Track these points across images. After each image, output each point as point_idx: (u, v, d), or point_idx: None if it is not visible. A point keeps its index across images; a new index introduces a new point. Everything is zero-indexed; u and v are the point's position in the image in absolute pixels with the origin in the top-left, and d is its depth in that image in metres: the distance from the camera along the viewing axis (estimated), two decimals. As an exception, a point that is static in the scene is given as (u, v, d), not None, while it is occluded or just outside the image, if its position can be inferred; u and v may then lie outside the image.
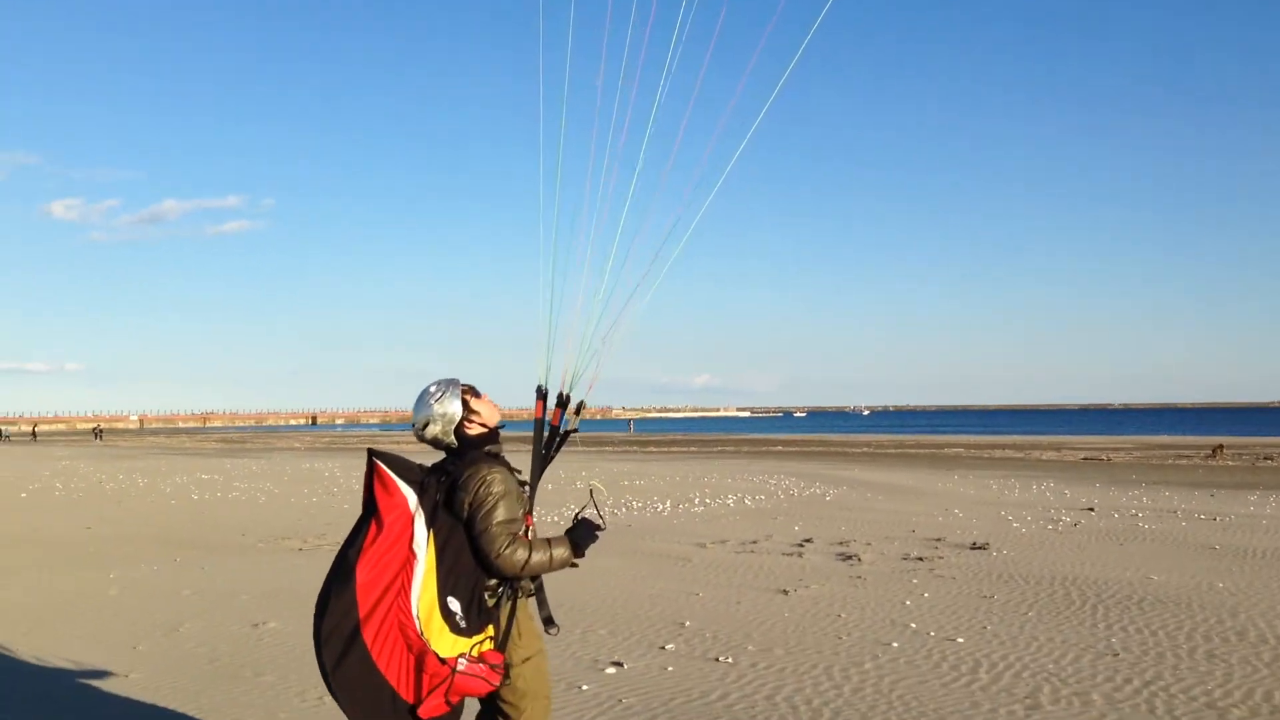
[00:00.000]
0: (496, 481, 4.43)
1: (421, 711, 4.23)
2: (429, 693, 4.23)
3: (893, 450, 50.96)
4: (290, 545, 15.47)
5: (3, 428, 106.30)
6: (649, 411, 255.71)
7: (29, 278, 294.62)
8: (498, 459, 4.61)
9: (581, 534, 4.66)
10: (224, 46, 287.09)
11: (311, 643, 4.29)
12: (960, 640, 8.88)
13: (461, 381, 4.70)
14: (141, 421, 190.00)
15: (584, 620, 9.84)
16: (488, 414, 4.68)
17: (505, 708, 4.53)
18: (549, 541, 4.52)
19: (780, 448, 56.24)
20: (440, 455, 4.68)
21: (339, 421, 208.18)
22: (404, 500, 4.35)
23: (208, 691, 7.35)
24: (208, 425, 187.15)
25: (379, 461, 4.40)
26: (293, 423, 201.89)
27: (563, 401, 4.88)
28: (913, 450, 50.58)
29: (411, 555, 4.29)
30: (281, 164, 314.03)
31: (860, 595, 11.02)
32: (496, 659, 4.38)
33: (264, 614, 10.10)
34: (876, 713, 6.87)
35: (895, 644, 8.75)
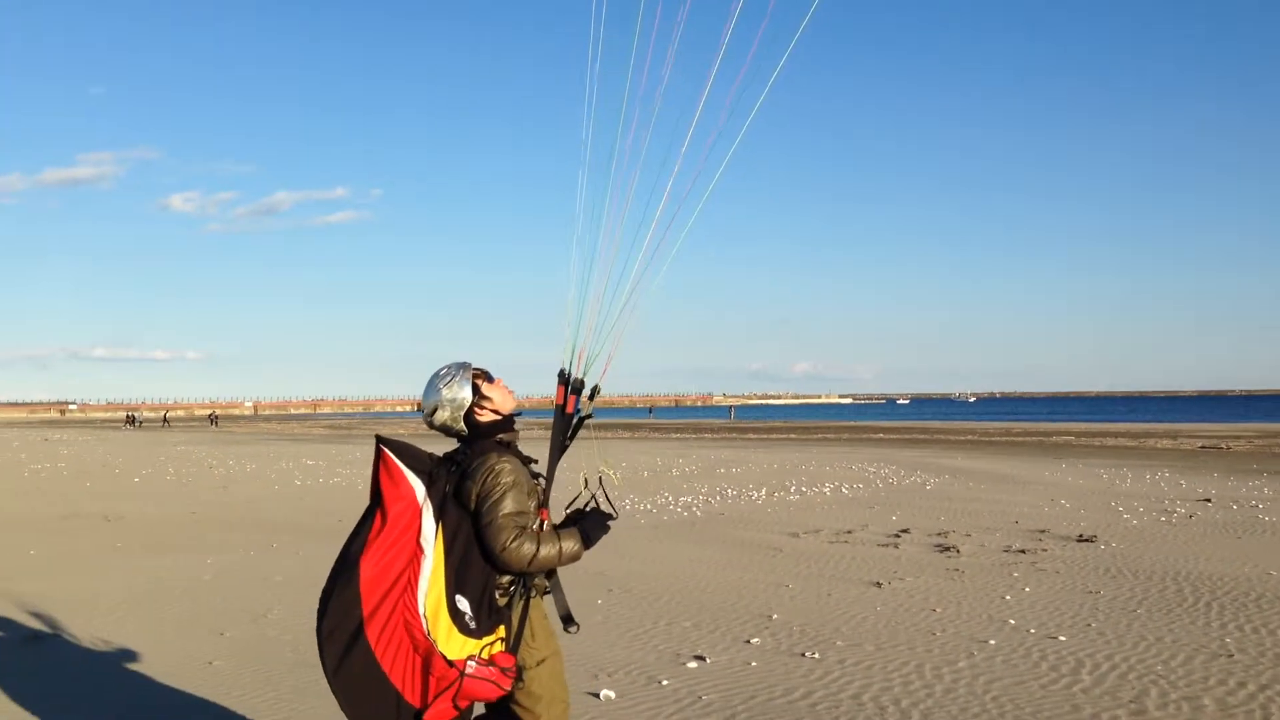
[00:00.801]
0: (505, 471, 4.19)
1: (428, 716, 4.03)
2: (436, 697, 4.01)
3: (999, 438, 49.71)
4: (384, 531, 15.58)
5: (135, 414, 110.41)
6: (750, 398, 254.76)
7: (151, 269, 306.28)
8: (509, 448, 4.37)
9: (592, 525, 4.37)
10: (332, 41, 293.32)
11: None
12: (1062, 638, 8.46)
13: (475, 365, 4.46)
14: (256, 408, 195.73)
15: (669, 611, 9.65)
16: (500, 400, 4.42)
17: (521, 712, 4.29)
18: (558, 534, 4.26)
19: (881, 435, 55.31)
20: (452, 444, 4.47)
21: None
22: (411, 491, 4.13)
23: (287, 680, 7.35)
24: (318, 411, 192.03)
25: (386, 449, 4.19)
26: (399, 409, 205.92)
27: (577, 387, 4.54)
28: (1019, 438, 49.27)
29: (419, 550, 4.08)
30: (388, 155, 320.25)
31: (957, 589, 10.62)
32: (508, 662, 4.13)
33: (350, 601, 10.12)
34: (969, 715, 6.54)
35: (992, 641, 8.37)
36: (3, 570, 12.00)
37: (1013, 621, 9.09)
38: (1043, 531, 14.90)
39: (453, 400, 4.34)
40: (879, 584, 10.92)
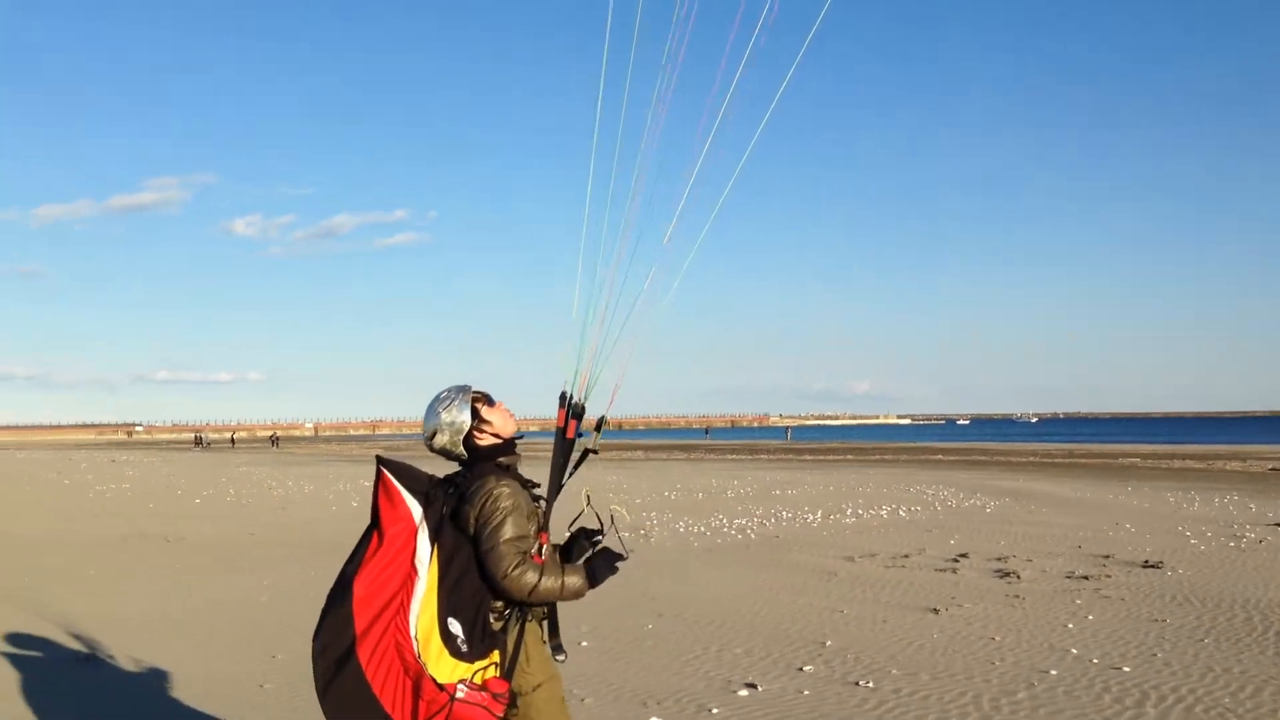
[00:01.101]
0: (504, 495, 4.13)
1: None
2: None
3: (1061, 460, 48.85)
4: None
5: (203, 435, 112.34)
6: (806, 419, 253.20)
7: (214, 292, 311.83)
8: (508, 471, 4.32)
9: (600, 565, 4.26)
10: (391, 63, 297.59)
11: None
12: (1126, 669, 8.20)
13: (475, 388, 4.42)
14: (316, 429, 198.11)
15: (720, 637, 9.53)
16: (500, 424, 4.38)
17: None
18: (563, 568, 4.19)
19: (940, 456, 54.62)
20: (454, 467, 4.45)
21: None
22: (408, 512, 4.12)
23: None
24: (377, 433, 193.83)
25: (385, 470, 4.18)
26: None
27: (578, 412, 4.45)
28: (1083, 460, 48.37)
29: (413, 571, 4.06)
30: (445, 176, 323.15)
31: (1017, 616, 10.37)
32: (501, 687, 4.05)
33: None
34: (1028, 749, 6.35)
35: (1053, 671, 8.14)
36: (60, 590, 12.17)
37: (1075, 650, 8.84)
38: (1107, 557, 14.54)
39: (451, 424, 4.31)
40: (936, 610, 10.70)
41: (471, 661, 4.01)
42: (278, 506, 24.76)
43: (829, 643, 9.26)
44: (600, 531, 4.37)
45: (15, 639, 9.35)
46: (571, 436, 4.42)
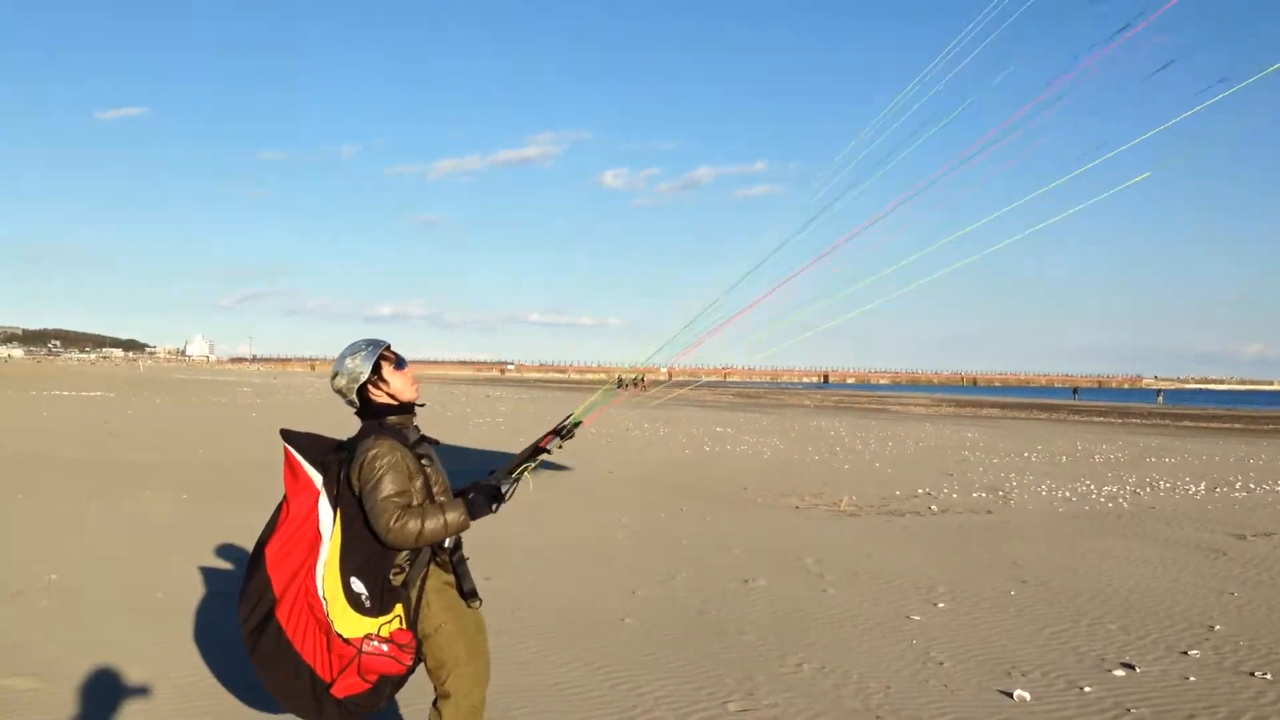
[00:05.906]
0: (381, 454, 4.29)
1: (335, 691, 4.26)
2: (340, 671, 4.25)
3: None
4: (787, 503, 15.68)
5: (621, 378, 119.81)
6: (1186, 382, 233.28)
7: (583, 241, 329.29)
8: (390, 431, 4.43)
9: (477, 499, 4.37)
10: (757, 25, 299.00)
11: None
12: None
13: (393, 349, 4.60)
14: (670, 373, 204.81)
15: (1090, 610, 8.91)
16: (399, 387, 4.54)
17: (433, 681, 4.46)
18: (441, 506, 4.31)
19: (1349, 428, 48.50)
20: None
21: (849, 380, 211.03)
22: (309, 482, 4.39)
23: (692, 643, 7.50)
24: (727, 380, 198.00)
25: (287, 445, 4.44)
26: (804, 380, 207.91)
27: (568, 433, 4.77)
28: None
29: (318, 536, 4.32)
30: (803, 127, 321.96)
31: None
32: (405, 638, 4.32)
33: (754, 570, 10.21)
34: None
35: None
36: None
37: None
38: None
39: (349, 372, 4.50)
40: (1348, 601, 9.49)
41: (376, 617, 4.28)
42: (635, 448, 25.68)
43: (1217, 627, 8.43)
44: (505, 479, 4.49)
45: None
46: (544, 447, 4.66)
